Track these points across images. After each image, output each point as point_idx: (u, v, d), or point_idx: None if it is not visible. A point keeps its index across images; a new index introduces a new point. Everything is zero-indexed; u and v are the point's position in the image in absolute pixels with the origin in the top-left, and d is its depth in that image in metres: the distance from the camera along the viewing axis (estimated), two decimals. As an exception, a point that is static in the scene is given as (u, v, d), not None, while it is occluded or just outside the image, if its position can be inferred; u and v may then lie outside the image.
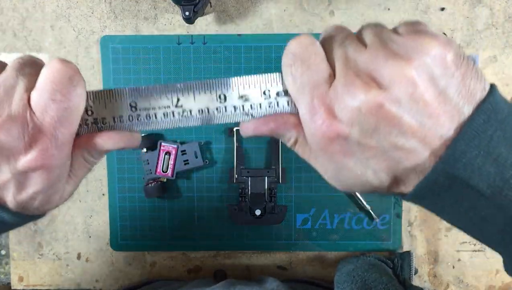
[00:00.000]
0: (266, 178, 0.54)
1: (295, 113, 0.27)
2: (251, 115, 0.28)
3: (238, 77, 0.27)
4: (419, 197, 0.26)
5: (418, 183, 0.25)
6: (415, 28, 0.25)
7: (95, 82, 0.54)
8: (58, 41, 0.54)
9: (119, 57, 0.54)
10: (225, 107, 0.28)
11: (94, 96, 0.28)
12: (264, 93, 0.27)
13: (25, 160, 0.25)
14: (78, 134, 0.28)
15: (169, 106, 0.28)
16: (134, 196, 0.56)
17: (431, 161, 0.24)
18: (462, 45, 0.53)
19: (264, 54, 0.53)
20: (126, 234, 0.56)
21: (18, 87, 0.25)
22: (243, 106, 0.28)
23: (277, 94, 0.27)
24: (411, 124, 0.23)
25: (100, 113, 0.28)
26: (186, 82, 0.27)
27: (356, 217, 0.55)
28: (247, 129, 0.28)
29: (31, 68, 0.27)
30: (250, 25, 0.53)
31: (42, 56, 0.54)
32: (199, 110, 0.28)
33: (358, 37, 0.26)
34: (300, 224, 0.56)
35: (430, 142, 0.24)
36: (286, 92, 0.27)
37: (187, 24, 0.53)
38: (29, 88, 0.26)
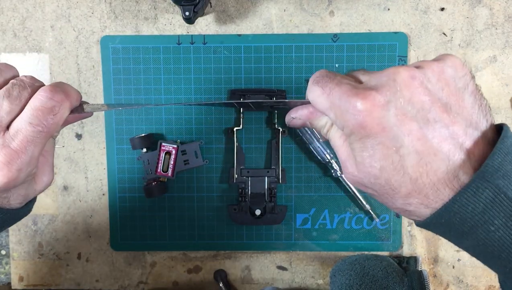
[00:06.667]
0: (266, 178, 0.54)
1: None
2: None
3: None
4: (452, 212, 0.25)
5: (458, 192, 0.25)
6: None
7: (96, 82, 0.54)
8: (58, 41, 0.54)
9: (119, 57, 0.54)
10: None
11: None
12: None
13: None
14: None
15: None
16: (134, 196, 0.56)
17: (462, 159, 0.26)
18: (462, 45, 0.53)
19: (264, 54, 0.53)
20: (126, 234, 0.56)
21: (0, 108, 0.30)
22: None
23: None
24: (441, 102, 0.26)
25: None
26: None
27: (356, 217, 0.55)
28: (288, 115, 0.33)
29: (22, 91, 0.31)
30: (250, 25, 0.53)
31: (42, 56, 0.54)
32: None
33: None
34: (300, 224, 0.56)
35: (457, 133, 0.26)
36: None
37: (187, 24, 0.53)
38: (12, 110, 0.30)
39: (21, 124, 0.30)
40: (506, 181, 0.24)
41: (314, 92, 0.29)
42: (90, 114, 0.36)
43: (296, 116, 0.33)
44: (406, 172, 0.26)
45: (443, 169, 0.26)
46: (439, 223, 0.26)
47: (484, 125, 0.27)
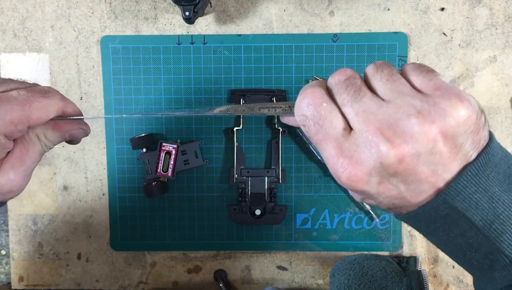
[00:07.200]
0: (266, 178, 0.54)
1: None
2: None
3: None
4: (417, 219, 0.28)
5: (419, 207, 0.27)
6: (434, 82, 0.26)
7: (96, 82, 0.54)
8: (58, 41, 0.54)
9: (119, 57, 0.54)
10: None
11: None
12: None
13: None
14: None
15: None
16: (134, 196, 0.56)
17: (436, 192, 0.27)
18: (462, 45, 0.53)
19: (264, 54, 0.53)
20: (126, 234, 0.56)
21: None
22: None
23: None
24: (426, 172, 0.26)
25: None
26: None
27: (356, 217, 0.55)
28: (281, 119, 0.35)
29: (24, 83, 0.32)
30: (250, 25, 0.53)
31: (42, 56, 0.54)
32: None
33: (370, 86, 0.28)
34: (300, 224, 0.56)
35: (439, 186, 0.26)
36: None
37: (187, 24, 0.53)
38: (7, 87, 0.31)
39: (11, 91, 0.31)
40: (466, 203, 0.26)
41: (303, 129, 0.29)
42: (86, 128, 0.36)
43: (289, 123, 0.34)
44: (383, 206, 0.29)
45: (415, 206, 0.28)
46: (408, 221, 0.30)
47: (471, 157, 0.26)
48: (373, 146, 0.25)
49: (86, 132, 0.36)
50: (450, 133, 0.25)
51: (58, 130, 0.34)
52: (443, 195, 0.26)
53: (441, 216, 0.27)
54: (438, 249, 0.56)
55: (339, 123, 0.27)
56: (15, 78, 0.33)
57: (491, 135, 0.27)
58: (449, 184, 0.26)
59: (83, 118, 0.35)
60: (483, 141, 0.26)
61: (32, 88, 0.32)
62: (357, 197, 0.30)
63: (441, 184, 0.26)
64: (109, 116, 0.37)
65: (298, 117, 0.29)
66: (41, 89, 0.32)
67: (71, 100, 0.34)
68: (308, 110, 0.28)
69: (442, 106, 0.25)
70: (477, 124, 0.26)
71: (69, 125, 0.35)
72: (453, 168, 0.26)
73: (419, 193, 0.27)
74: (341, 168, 0.26)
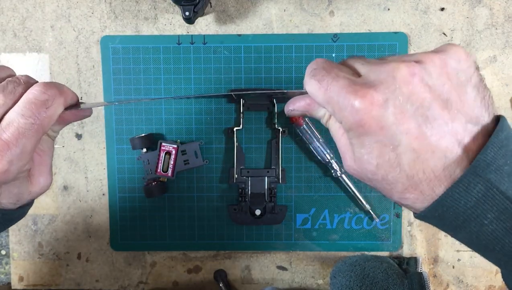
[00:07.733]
0: (266, 178, 0.54)
1: None
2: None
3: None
4: (445, 206, 0.26)
5: (450, 187, 0.25)
6: None
7: (96, 82, 0.54)
8: (58, 41, 0.54)
9: (119, 57, 0.54)
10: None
11: None
12: None
13: None
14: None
15: None
16: (134, 196, 0.56)
17: (459, 156, 0.25)
18: (462, 45, 0.53)
19: (264, 54, 0.53)
20: (126, 234, 0.56)
21: None
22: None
23: None
24: (441, 99, 0.26)
25: None
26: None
27: (356, 217, 0.55)
28: (286, 106, 0.34)
29: (16, 87, 0.31)
30: (250, 25, 0.53)
31: (42, 56, 0.54)
32: None
33: None
34: (300, 224, 0.56)
35: (457, 130, 0.25)
36: None
37: (187, 24, 0.53)
38: (5, 104, 0.30)
39: (13, 116, 0.30)
40: (498, 175, 0.24)
41: (311, 85, 0.29)
42: (89, 112, 0.36)
43: (294, 108, 0.33)
44: (403, 169, 0.26)
45: (439, 166, 0.26)
46: (433, 216, 0.27)
47: (485, 119, 0.26)
48: (385, 67, 0.26)
49: (89, 115, 0.37)
50: (453, 68, 0.26)
51: (62, 122, 0.35)
52: (473, 167, 0.24)
53: (474, 195, 0.25)
54: (439, 250, 0.56)
55: (348, 70, 0.28)
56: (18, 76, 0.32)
57: (502, 117, 0.27)
58: (477, 156, 0.25)
59: (86, 108, 0.35)
60: (491, 104, 0.27)
61: (35, 102, 0.30)
62: (373, 152, 0.27)
63: (459, 127, 0.25)
64: (110, 103, 0.37)
65: (308, 73, 0.29)
66: (43, 101, 0.30)
67: (66, 88, 0.33)
68: (317, 63, 0.29)
69: (446, 47, 0.27)
70: (475, 73, 0.27)
71: (72, 116, 0.35)
72: (468, 111, 0.26)
73: (440, 130, 0.25)
74: (354, 93, 0.26)
